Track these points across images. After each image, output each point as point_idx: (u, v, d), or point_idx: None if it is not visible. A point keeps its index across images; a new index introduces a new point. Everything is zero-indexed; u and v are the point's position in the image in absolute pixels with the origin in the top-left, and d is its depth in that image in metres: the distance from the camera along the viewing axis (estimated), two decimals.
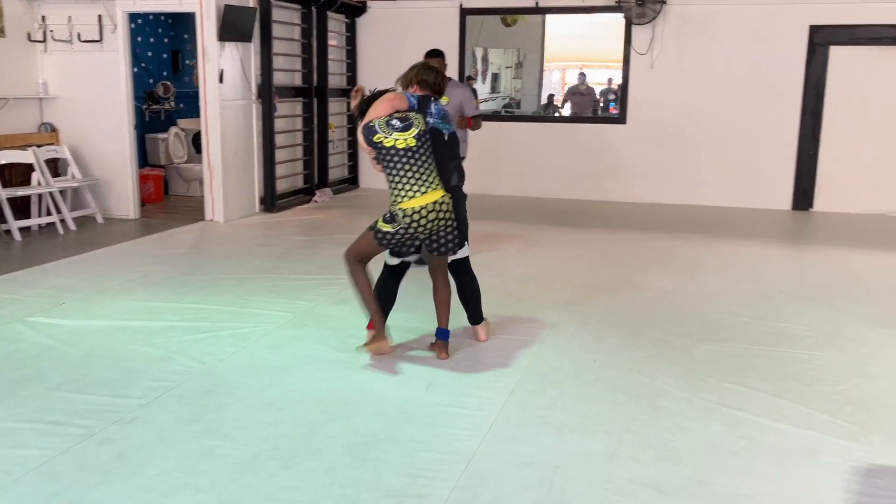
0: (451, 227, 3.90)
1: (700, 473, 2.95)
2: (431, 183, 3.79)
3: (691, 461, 3.05)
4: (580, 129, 9.73)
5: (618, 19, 9.26)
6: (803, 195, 8.88)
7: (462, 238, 4.07)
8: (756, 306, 5.12)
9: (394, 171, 3.78)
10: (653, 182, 9.28)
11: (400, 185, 3.78)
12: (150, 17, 9.85)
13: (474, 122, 5.77)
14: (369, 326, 4.07)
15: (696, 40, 8.92)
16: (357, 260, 3.93)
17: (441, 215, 3.81)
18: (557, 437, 3.24)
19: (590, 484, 2.86)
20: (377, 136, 3.77)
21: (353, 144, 10.06)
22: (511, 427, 3.32)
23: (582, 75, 12.25)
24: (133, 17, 8.29)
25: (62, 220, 7.23)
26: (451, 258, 4.07)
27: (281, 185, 8.59)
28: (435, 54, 6.52)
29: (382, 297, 4.05)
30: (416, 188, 3.76)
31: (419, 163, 3.77)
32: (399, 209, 3.78)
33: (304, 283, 5.42)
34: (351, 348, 4.12)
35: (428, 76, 3.97)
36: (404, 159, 3.76)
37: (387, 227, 3.83)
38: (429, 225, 3.79)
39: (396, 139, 3.74)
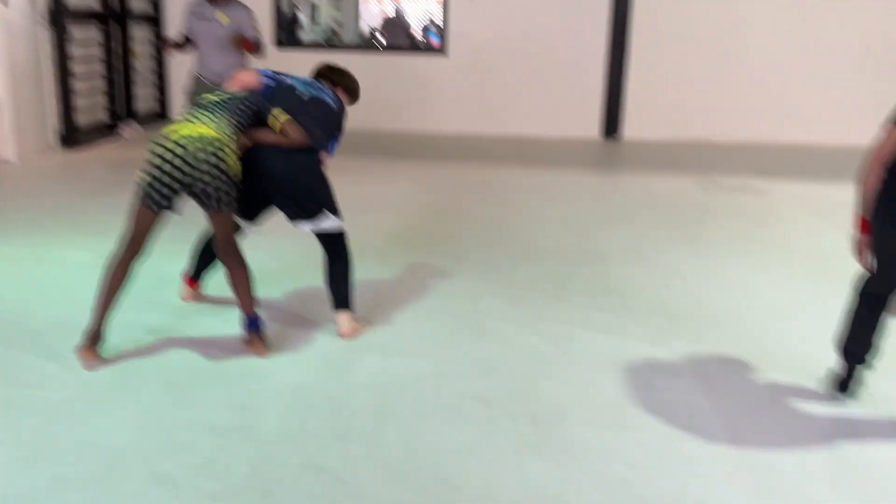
0: (219, 179, 3.12)
1: (523, 384, 3.08)
2: (218, 122, 3.20)
3: (514, 374, 3.17)
4: (402, 61, 9.63)
5: None
6: (612, 124, 9.33)
7: (323, 204, 3.62)
8: (571, 229, 5.37)
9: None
10: (473, 113, 9.40)
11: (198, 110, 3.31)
12: None
13: (255, 46, 5.43)
14: (187, 281, 3.84)
15: None
16: (125, 242, 3.14)
17: (209, 157, 3.10)
18: (386, 361, 3.26)
19: (419, 401, 2.91)
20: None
21: (161, 76, 9.41)
22: (339, 356, 3.30)
23: (398, 6, 12.11)
24: None
25: None
26: (319, 230, 3.52)
27: (82, 119, 7.89)
28: None
29: (203, 254, 3.73)
30: (199, 118, 3.24)
31: (234, 108, 3.27)
32: (161, 133, 3.27)
33: (113, 224, 5.04)
34: (165, 286, 3.91)
35: (324, 71, 3.75)
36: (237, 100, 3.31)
37: (141, 177, 3.20)
38: (192, 161, 3.09)
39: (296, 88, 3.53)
